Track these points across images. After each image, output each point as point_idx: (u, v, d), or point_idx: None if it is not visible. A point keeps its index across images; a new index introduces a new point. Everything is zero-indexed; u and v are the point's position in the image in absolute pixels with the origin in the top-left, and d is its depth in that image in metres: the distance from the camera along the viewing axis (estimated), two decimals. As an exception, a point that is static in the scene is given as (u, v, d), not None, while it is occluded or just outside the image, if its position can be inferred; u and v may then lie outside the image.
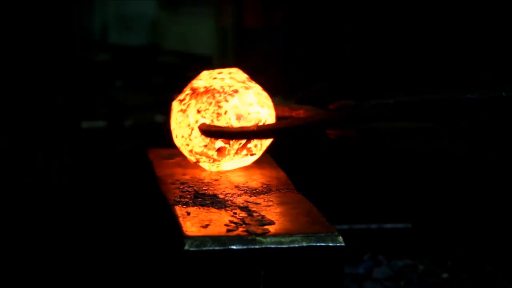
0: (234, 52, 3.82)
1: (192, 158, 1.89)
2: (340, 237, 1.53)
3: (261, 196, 1.74)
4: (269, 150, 1.96)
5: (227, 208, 1.65)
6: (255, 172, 1.90)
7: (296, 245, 1.51)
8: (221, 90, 1.83)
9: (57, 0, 3.57)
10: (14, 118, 3.22)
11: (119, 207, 2.69)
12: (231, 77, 1.87)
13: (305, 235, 1.52)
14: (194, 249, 1.48)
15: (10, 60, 3.37)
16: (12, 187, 2.83)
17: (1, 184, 2.84)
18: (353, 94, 1.82)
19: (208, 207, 1.66)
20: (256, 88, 1.88)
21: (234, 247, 1.49)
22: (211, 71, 1.92)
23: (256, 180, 1.85)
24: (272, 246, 1.50)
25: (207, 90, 1.84)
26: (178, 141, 1.89)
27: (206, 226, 1.55)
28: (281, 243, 1.51)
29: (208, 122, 1.82)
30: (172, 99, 1.91)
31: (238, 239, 1.50)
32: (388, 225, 2.57)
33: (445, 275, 2.43)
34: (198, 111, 1.83)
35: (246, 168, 1.91)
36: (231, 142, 1.84)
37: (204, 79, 1.89)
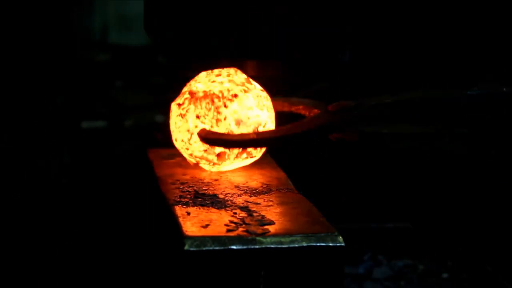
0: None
1: (192, 160, 1.89)
2: (340, 237, 1.53)
3: (261, 196, 1.74)
4: (269, 150, 1.96)
5: (227, 208, 1.65)
6: (255, 172, 1.90)
7: (296, 245, 1.51)
8: (220, 95, 1.82)
9: (57, 0, 3.57)
10: (14, 118, 3.22)
11: (119, 207, 2.69)
12: (230, 80, 1.86)
13: (305, 235, 1.52)
14: (194, 249, 1.48)
15: (10, 60, 3.36)
16: (12, 187, 2.83)
17: (1, 184, 2.84)
18: (353, 94, 1.82)
19: (208, 207, 1.66)
20: (255, 89, 1.87)
21: (234, 247, 1.49)
22: (209, 72, 1.91)
23: (256, 180, 1.85)
24: (272, 246, 1.50)
25: (206, 95, 1.83)
26: (178, 144, 1.88)
27: (206, 226, 1.55)
28: (281, 243, 1.51)
29: (207, 127, 1.82)
30: (172, 99, 1.90)
31: (238, 239, 1.50)
32: (388, 225, 2.57)
33: (445, 275, 2.43)
34: (197, 117, 1.83)
35: (246, 168, 1.91)
36: None
37: (203, 81, 1.87)
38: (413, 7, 3.12)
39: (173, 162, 1.96)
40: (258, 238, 1.50)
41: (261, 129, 1.83)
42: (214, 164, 1.85)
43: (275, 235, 1.52)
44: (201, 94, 1.84)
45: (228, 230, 1.53)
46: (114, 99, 3.65)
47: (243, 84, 1.86)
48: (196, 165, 1.89)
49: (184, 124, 1.84)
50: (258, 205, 1.67)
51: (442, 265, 2.47)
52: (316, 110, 1.86)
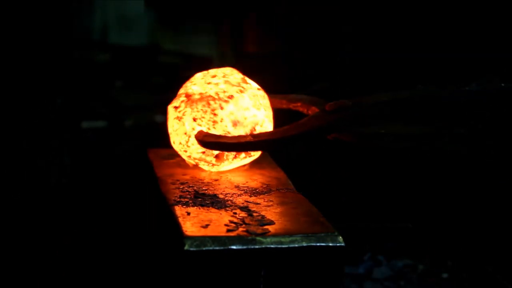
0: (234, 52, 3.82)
1: (191, 162, 1.89)
2: (340, 237, 1.53)
3: (261, 196, 1.74)
4: (268, 150, 1.96)
5: (227, 208, 1.65)
6: (255, 172, 1.90)
7: (296, 245, 1.51)
8: (216, 97, 1.82)
9: (57, 1, 3.57)
10: (14, 119, 3.22)
11: (119, 207, 2.69)
12: (225, 81, 1.85)
13: (305, 235, 1.52)
14: (194, 249, 1.48)
15: (10, 60, 3.36)
16: (12, 188, 2.83)
17: (1, 184, 2.84)
18: (353, 94, 1.82)
19: (208, 207, 1.66)
20: (252, 89, 1.87)
21: (234, 247, 1.49)
22: (204, 73, 1.90)
23: (256, 180, 1.85)
24: (272, 246, 1.50)
25: (202, 98, 1.83)
26: (176, 146, 1.88)
27: (206, 226, 1.55)
28: (281, 243, 1.51)
29: (204, 129, 1.81)
30: (171, 99, 1.90)
31: (238, 239, 1.50)
32: (388, 225, 2.57)
33: (445, 275, 2.43)
34: (194, 119, 1.82)
35: (246, 168, 1.91)
36: None
37: (198, 83, 1.87)
38: (412, 7, 3.12)
39: (173, 162, 1.96)
40: (258, 238, 1.50)
41: (258, 129, 1.83)
42: (213, 165, 1.85)
43: (275, 235, 1.52)
44: (197, 97, 1.83)
45: (228, 230, 1.53)
46: (114, 99, 3.65)
47: (239, 84, 1.85)
48: (196, 165, 1.89)
49: (181, 127, 1.84)
50: (258, 205, 1.67)
51: (442, 265, 2.47)
52: (314, 108, 1.85)
